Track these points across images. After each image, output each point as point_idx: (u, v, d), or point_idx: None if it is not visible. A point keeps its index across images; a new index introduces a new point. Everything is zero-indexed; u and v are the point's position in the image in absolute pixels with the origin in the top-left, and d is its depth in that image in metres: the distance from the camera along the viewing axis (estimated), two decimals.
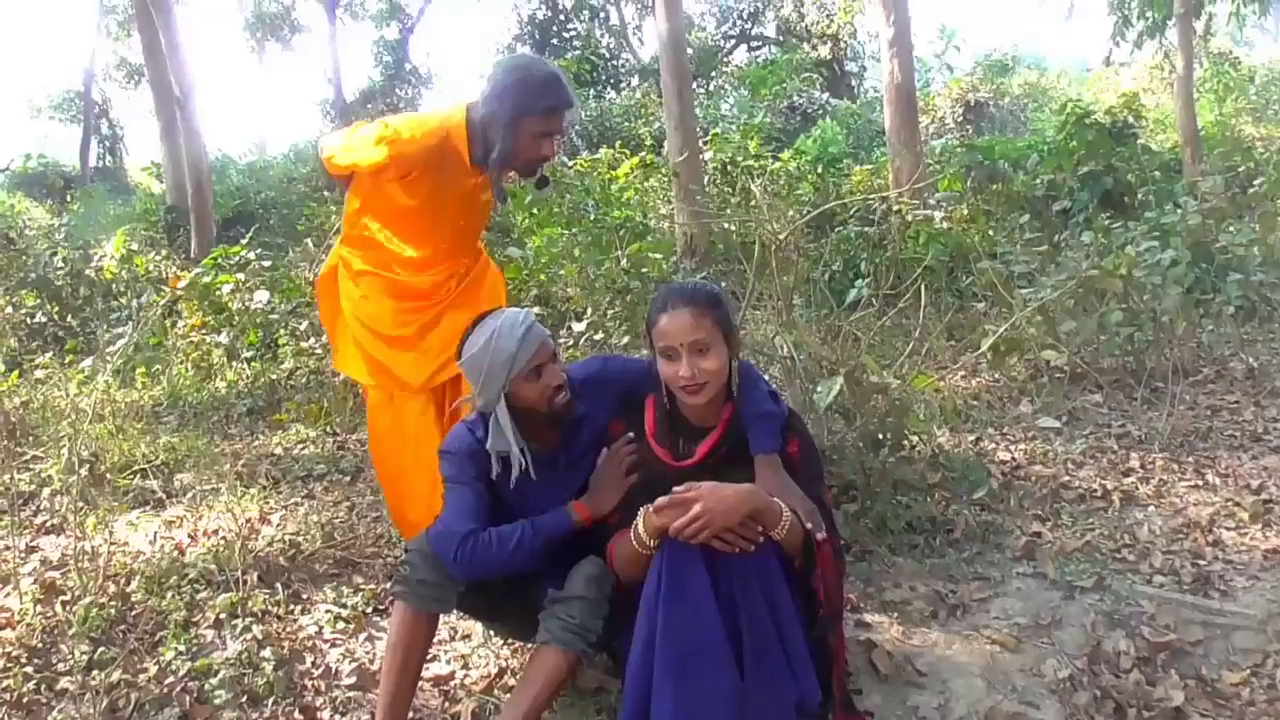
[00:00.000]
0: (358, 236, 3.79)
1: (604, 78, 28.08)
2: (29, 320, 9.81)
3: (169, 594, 3.92)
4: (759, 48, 34.43)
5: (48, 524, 4.98)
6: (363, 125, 3.65)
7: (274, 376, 7.69)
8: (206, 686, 3.32)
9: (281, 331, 8.06)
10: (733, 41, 34.27)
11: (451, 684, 3.35)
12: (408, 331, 3.72)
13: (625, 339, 6.85)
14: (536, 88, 3.42)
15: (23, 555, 4.46)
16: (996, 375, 6.85)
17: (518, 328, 2.87)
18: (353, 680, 3.38)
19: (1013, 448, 5.44)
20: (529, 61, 3.60)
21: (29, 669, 3.43)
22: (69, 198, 25.07)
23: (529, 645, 3.10)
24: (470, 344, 2.93)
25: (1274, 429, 5.52)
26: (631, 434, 2.98)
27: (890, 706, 3.08)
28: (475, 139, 3.51)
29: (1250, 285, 7.51)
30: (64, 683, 3.38)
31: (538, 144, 3.49)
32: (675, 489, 2.52)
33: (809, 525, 2.61)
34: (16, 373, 7.64)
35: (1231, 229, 8.02)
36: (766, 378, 3.29)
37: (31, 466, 5.66)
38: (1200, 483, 4.80)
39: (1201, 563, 3.91)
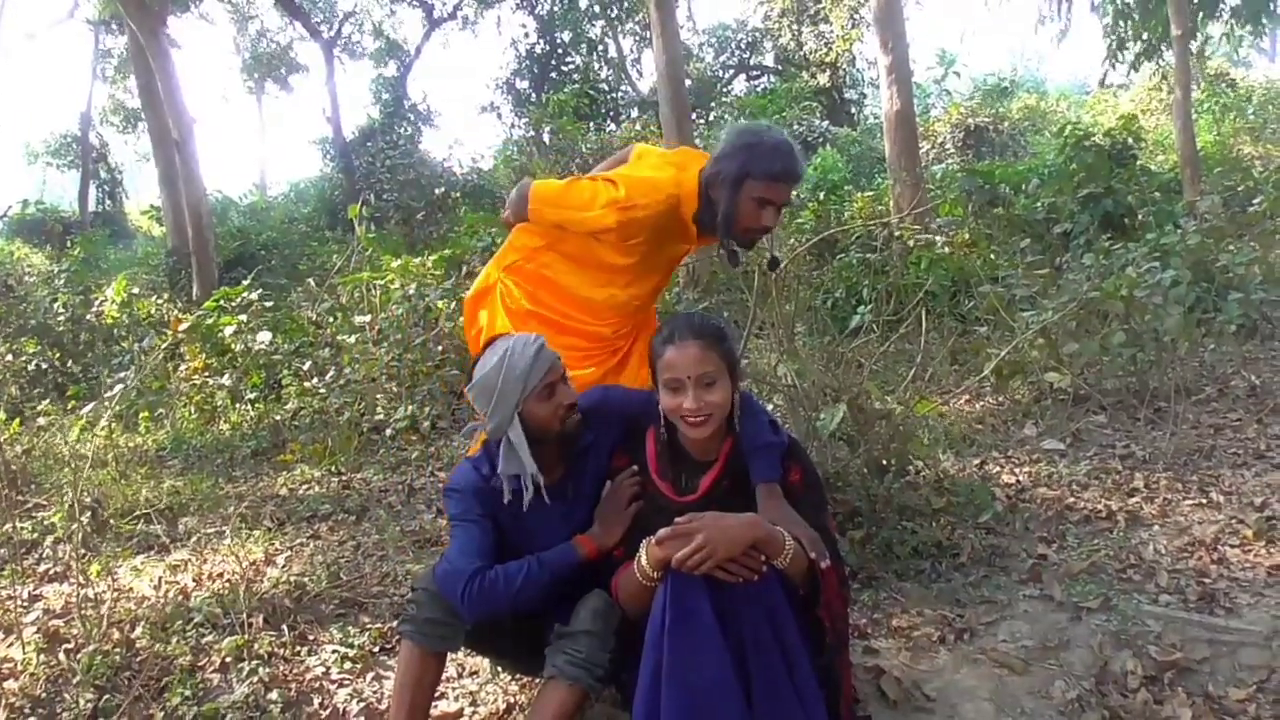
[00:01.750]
0: (532, 272, 3.62)
1: (603, 110, 28.20)
2: (30, 367, 9.82)
3: (174, 639, 3.92)
4: (758, 77, 34.56)
5: (51, 572, 4.98)
6: (580, 181, 3.52)
7: (278, 417, 7.70)
8: None
9: (285, 372, 8.08)
10: (731, 71, 34.37)
11: None
12: (585, 372, 3.49)
13: None
14: (766, 151, 3.33)
15: (26, 604, 4.46)
16: (1000, 398, 6.85)
17: (530, 346, 2.87)
18: None
19: (1017, 470, 5.43)
20: (764, 128, 3.46)
21: (33, 719, 3.42)
22: (68, 243, 25.15)
23: (537, 681, 3.09)
24: (482, 365, 2.91)
25: (1277, 446, 5.51)
26: (635, 466, 2.98)
27: None
28: (702, 199, 3.42)
29: (1251, 304, 7.53)
30: None
31: (758, 211, 3.36)
32: (677, 520, 2.51)
33: (813, 554, 2.60)
34: (18, 420, 7.65)
35: (1231, 248, 8.07)
36: (770, 406, 3.28)
37: (34, 514, 5.66)
38: (1204, 501, 4.79)
39: (1207, 581, 3.90)
